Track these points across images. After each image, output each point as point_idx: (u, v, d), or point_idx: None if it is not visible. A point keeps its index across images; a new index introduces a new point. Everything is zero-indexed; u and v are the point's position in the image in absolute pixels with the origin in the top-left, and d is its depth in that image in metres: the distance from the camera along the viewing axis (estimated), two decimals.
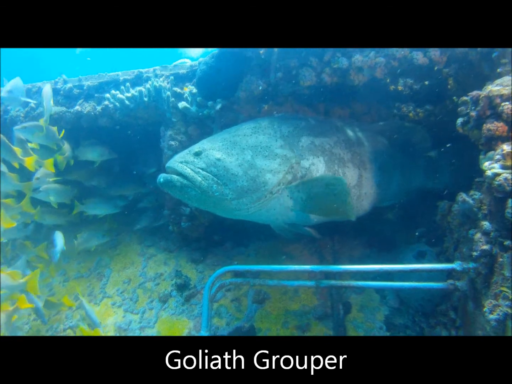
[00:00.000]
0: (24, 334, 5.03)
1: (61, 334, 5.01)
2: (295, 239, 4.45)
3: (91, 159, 5.63)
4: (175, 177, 3.51)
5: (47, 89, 4.88)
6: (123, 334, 4.77)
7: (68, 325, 5.09)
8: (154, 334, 4.66)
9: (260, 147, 3.69)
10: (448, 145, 4.42)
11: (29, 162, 4.91)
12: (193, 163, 3.54)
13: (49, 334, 4.97)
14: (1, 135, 4.70)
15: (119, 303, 5.17)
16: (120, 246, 5.97)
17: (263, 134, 3.80)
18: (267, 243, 5.16)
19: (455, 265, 3.19)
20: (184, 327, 4.66)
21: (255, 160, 3.61)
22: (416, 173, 4.67)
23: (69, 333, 5.01)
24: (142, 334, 4.70)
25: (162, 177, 3.56)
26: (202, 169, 3.51)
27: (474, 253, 2.92)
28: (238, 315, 4.53)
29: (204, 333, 3.61)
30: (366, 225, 4.81)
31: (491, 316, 2.71)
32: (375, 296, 4.38)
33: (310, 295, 4.47)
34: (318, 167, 3.86)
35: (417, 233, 4.36)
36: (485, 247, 2.85)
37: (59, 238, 5.17)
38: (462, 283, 3.21)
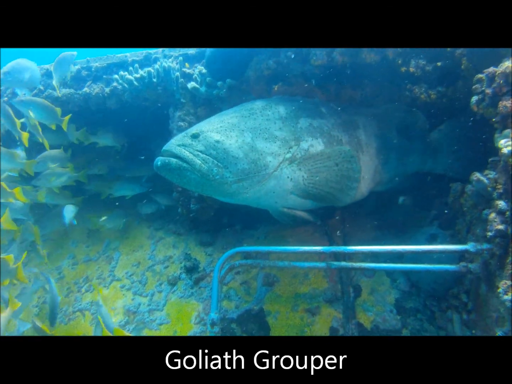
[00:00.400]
0: (33, 317, 5.05)
1: (70, 317, 5.04)
2: (295, 224, 4.41)
3: (110, 144, 5.71)
4: (173, 160, 3.40)
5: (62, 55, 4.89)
6: (132, 317, 4.80)
7: (77, 307, 5.12)
8: (163, 317, 4.68)
9: (260, 129, 3.64)
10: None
11: (25, 137, 4.81)
12: (191, 146, 3.45)
13: (58, 316, 4.97)
14: (5, 105, 4.66)
15: (128, 286, 5.18)
16: (129, 229, 5.98)
17: (261, 115, 3.76)
18: (277, 226, 5.11)
19: (469, 246, 3.14)
20: (193, 310, 4.66)
21: (255, 142, 3.55)
22: (413, 156, 4.61)
23: (78, 315, 5.04)
24: (151, 317, 4.72)
25: (159, 160, 3.44)
26: (201, 151, 3.42)
27: (489, 233, 2.88)
28: (247, 298, 4.51)
29: (213, 315, 3.60)
30: (377, 208, 4.78)
31: (505, 297, 2.67)
32: (386, 279, 4.34)
33: (320, 278, 4.44)
34: (317, 148, 3.82)
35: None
36: (500, 227, 2.79)
37: (68, 211, 5.21)
38: (475, 265, 3.17)
